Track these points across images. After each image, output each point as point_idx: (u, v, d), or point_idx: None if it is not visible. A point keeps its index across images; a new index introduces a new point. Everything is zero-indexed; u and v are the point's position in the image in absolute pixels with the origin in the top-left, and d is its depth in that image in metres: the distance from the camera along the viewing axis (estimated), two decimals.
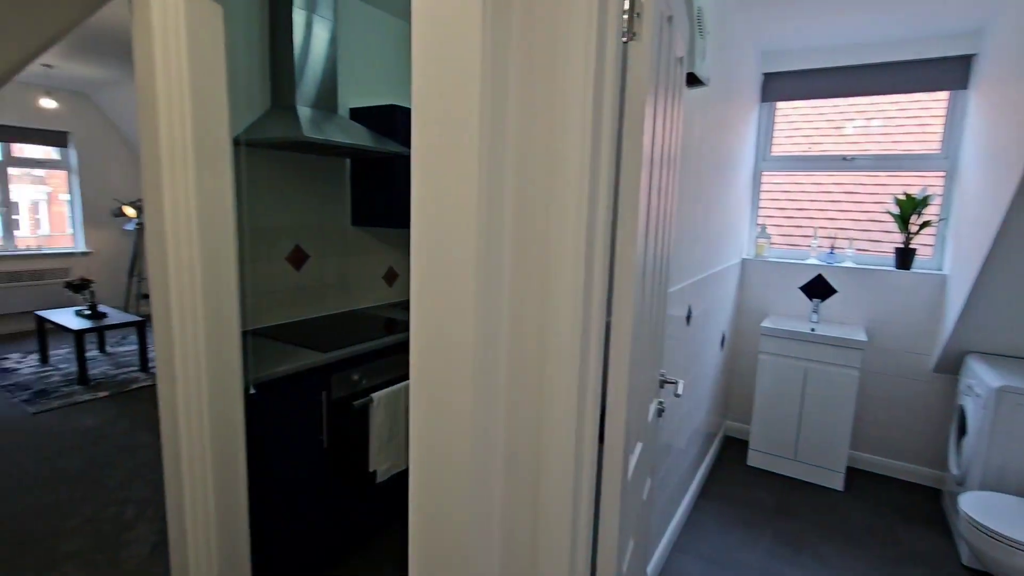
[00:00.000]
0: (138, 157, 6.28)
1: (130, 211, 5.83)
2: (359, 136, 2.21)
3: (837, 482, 2.91)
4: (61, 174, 5.93)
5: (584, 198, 0.80)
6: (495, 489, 0.83)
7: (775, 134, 3.38)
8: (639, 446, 1.21)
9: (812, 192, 3.32)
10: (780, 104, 3.35)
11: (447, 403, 0.78)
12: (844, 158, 3.19)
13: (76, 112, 5.72)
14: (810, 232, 3.32)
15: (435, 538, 0.81)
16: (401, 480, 2.34)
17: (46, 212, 6.07)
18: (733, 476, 3.01)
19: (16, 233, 5.60)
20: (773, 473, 3.06)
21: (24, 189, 5.74)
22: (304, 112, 2.09)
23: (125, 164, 6.22)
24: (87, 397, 3.81)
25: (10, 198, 5.49)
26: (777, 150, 3.39)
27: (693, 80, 1.75)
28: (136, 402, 3.79)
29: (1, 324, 5.39)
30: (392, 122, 2.47)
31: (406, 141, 2.50)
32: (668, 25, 1.10)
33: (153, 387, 4.09)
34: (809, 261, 3.26)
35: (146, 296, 6.41)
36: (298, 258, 2.43)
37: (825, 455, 2.93)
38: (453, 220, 0.75)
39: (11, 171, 5.48)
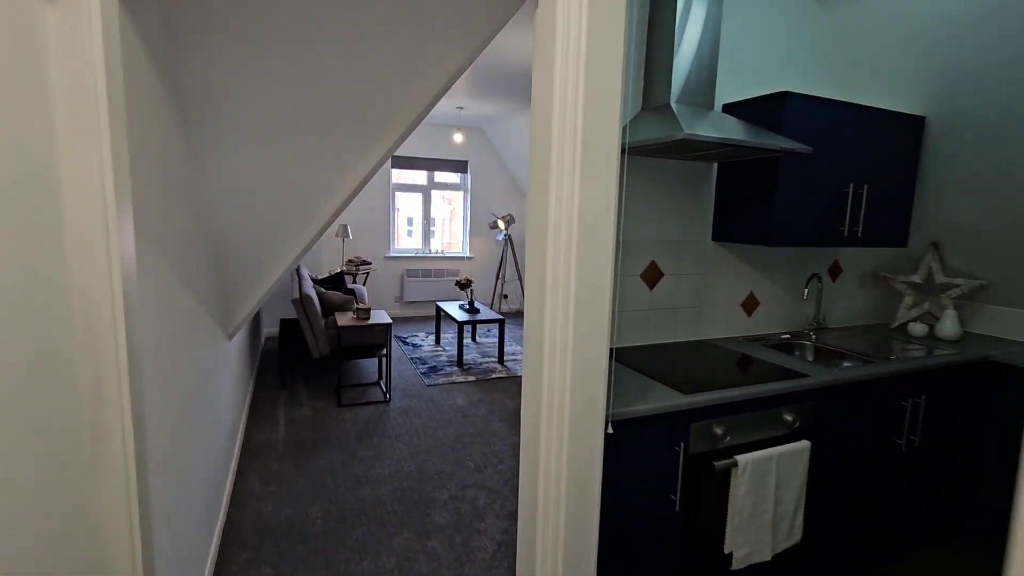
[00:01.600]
0: (512, 178, 7.44)
1: (501, 224, 6.90)
2: (739, 132, 1.80)
3: None
4: (459, 195, 7.49)
5: None
6: None
7: None
8: None
9: None
10: None
11: None
12: None
13: (473, 144, 7.12)
14: None
15: None
16: (764, 574, 1.81)
17: (448, 225, 7.79)
18: None
19: (431, 240, 7.34)
20: None
21: (439, 207, 7.47)
22: (679, 109, 1.81)
23: (502, 185, 7.43)
24: (461, 379, 4.56)
25: (431, 213, 7.24)
26: None
27: None
28: (493, 390, 4.34)
29: (417, 308, 7.15)
30: (779, 115, 1.96)
31: (798, 136, 1.95)
32: None
33: (507, 379, 4.63)
34: None
35: (505, 296, 7.52)
36: (653, 275, 2.19)
37: None
38: None
39: (433, 192, 7.21)
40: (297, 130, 2.07)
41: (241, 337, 3.59)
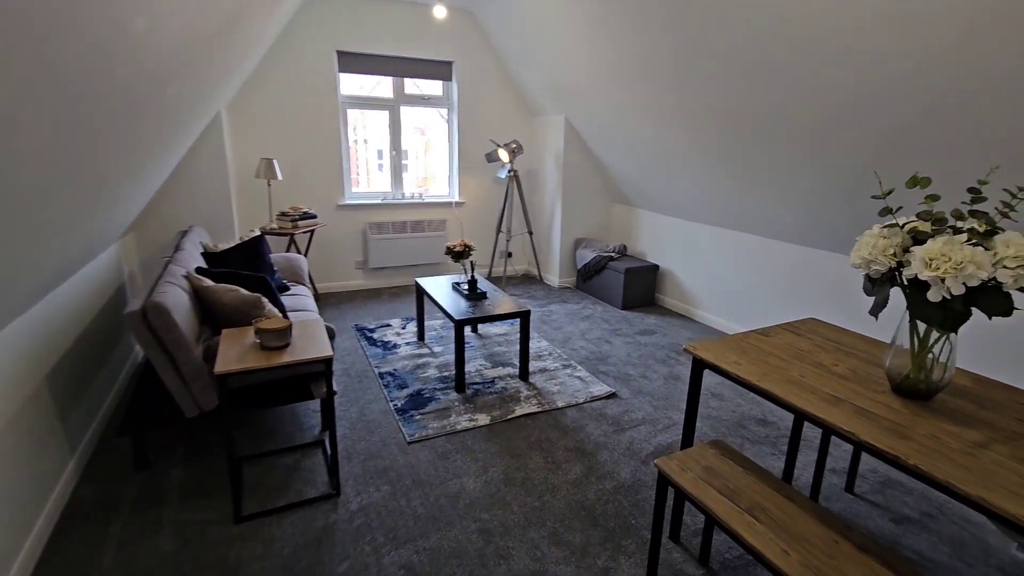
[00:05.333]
0: (516, 88, 5.18)
1: (504, 155, 4.82)
2: None
3: None
4: (440, 115, 5.30)
5: None
6: None
7: None
8: None
9: None
10: None
11: None
12: None
13: (460, 35, 4.86)
14: None
15: None
16: None
17: (422, 158, 5.64)
18: None
19: (404, 180, 5.22)
20: None
21: (411, 139, 5.29)
22: None
23: (502, 98, 5.24)
24: (465, 423, 2.69)
25: (401, 141, 5.07)
26: None
27: None
28: (526, 446, 2.48)
29: (389, 276, 5.16)
30: None
31: None
32: None
33: (542, 415, 2.78)
34: None
35: (509, 254, 5.55)
36: None
37: None
38: None
39: (403, 111, 5.00)
40: None
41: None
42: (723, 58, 2.77)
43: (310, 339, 2.12)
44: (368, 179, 5.23)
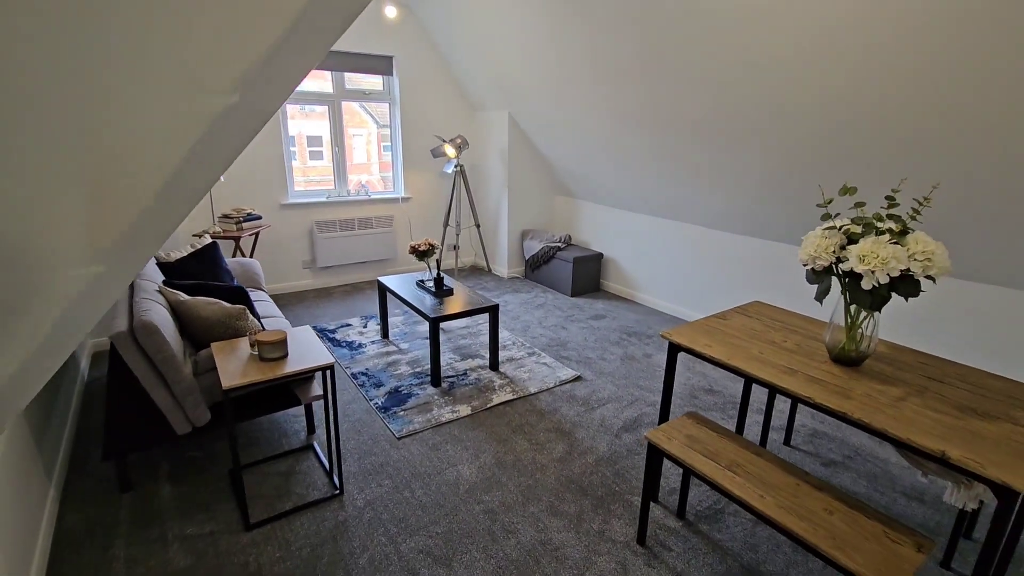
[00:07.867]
0: (457, 83, 5.28)
1: (450, 150, 4.90)
2: None
3: None
4: (382, 109, 5.27)
5: None
6: None
7: None
8: None
9: None
10: None
11: None
12: None
13: (400, 30, 4.84)
14: None
15: None
16: None
17: (369, 152, 5.59)
18: None
19: (347, 177, 5.14)
20: None
21: (349, 135, 5.21)
22: None
23: (443, 94, 5.28)
24: (448, 415, 2.83)
25: (344, 136, 4.98)
26: None
27: None
28: (508, 431, 2.67)
29: (335, 275, 5.09)
30: None
31: None
32: None
33: (517, 401, 2.98)
34: None
35: (456, 247, 5.66)
36: None
37: None
38: None
39: (345, 106, 4.91)
40: None
41: None
42: (661, 61, 3.06)
43: (305, 347, 2.16)
44: (297, 179, 5.09)
